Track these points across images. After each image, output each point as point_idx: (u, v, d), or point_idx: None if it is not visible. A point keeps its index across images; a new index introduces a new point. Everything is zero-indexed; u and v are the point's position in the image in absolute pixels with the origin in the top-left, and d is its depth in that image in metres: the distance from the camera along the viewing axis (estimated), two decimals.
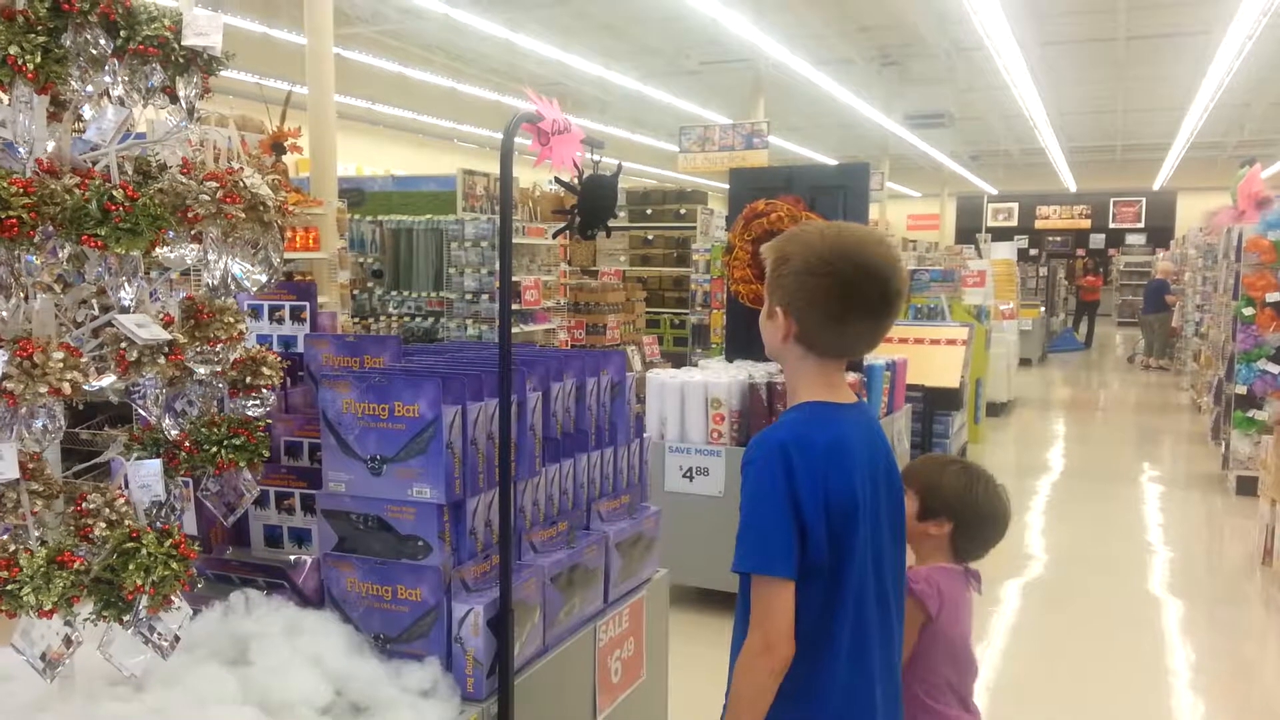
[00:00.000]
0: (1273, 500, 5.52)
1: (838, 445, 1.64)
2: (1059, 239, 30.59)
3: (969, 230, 27.22)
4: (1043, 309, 17.65)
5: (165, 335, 1.51)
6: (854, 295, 1.63)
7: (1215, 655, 4.60)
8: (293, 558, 2.10)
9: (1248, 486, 7.29)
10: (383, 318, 9.29)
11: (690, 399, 4.87)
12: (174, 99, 1.71)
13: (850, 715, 1.68)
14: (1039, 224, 30.89)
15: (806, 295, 1.65)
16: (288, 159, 6.91)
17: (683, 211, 12.92)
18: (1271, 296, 7.09)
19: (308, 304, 2.45)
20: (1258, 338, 7.21)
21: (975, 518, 2.21)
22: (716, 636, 5.04)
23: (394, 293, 9.36)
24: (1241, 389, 7.34)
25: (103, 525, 1.49)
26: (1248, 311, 7.24)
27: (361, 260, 9.28)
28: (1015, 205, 30.92)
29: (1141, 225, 29.71)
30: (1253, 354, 7.25)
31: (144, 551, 1.47)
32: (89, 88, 1.61)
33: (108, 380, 1.55)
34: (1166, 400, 12.93)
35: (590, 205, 2.20)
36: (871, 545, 1.68)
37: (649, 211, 13.18)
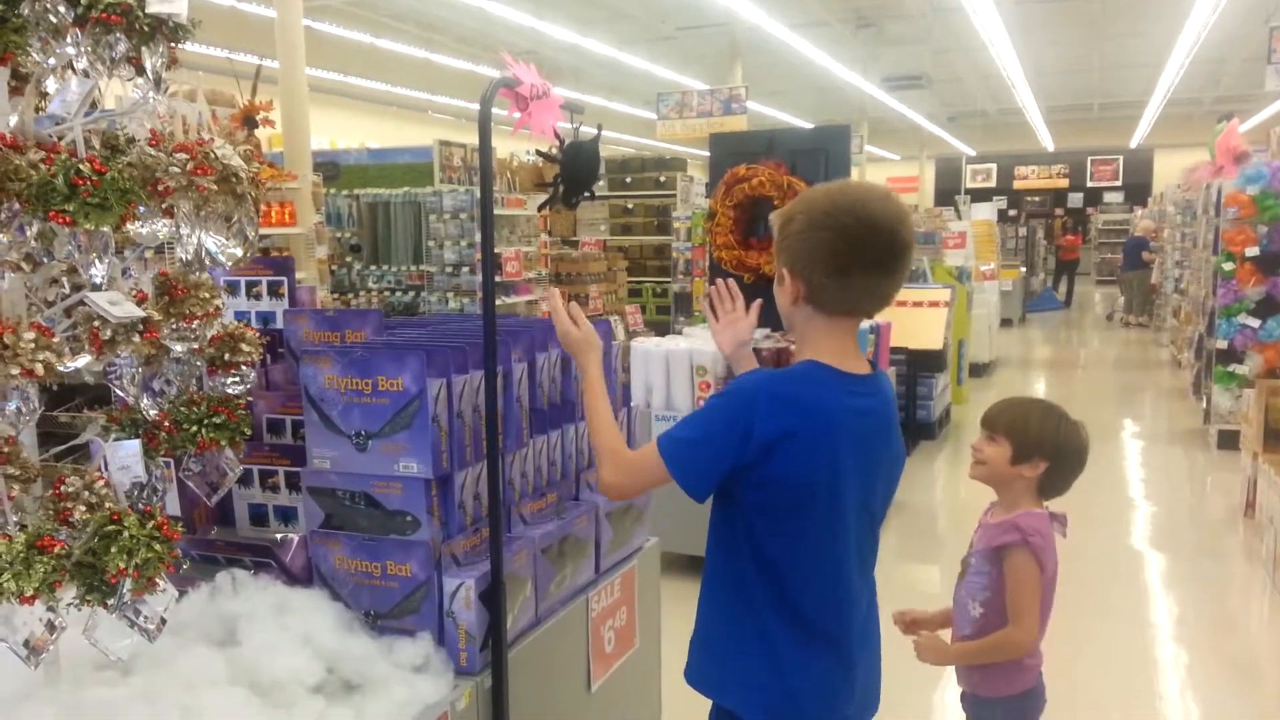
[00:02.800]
0: (1254, 454, 5.57)
1: (815, 410, 1.62)
2: (1037, 199, 30.64)
3: (948, 192, 27.20)
4: (1023, 269, 17.71)
5: (139, 312, 1.47)
6: (856, 248, 1.61)
7: (1198, 607, 4.65)
8: (279, 536, 2.07)
9: (1229, 441, 7.36)
10: (362, 293, 9.22)
11: (675, 367, 4.86)
12: (140, 70, 1.65)
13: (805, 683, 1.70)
14: (1017, 184, 30.91)
15: (809, 252, 1.63)
16: (260, 133, 6.81)
17: (662, 179, 12.83)
18: (1251, 251, 7.12)
19: (285, 279, 2.41)
20: (1238, 292, 7.24)
21: (1066, 455, 2.25)
22: None
23: (373, 267, 9.28)
24: (1222, 344, 7.39)
25: (83, 509, 1.46)
26: (1228, 266, 7.27)
27: (339, 235, 9.19)
28: (994, 166, 30.91)
29: (1119, 183, 29.78)
30: (1233, 309, 7.29)
31: (126, 534, 1.44)
32: (50, 60, 1.56)
33: (83, 360, 1.51)
34: (1147, 357, 13.02)
35: (573, 173, 2.17)
36: (833, 524, 1.67)
37: (628, 180, 13.09)
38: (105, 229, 1.44)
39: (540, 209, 2.40)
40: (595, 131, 2.23)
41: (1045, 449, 2.23)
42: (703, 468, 1.64)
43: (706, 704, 1.83)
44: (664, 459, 1.65)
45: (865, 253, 1.61)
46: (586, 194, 2.23)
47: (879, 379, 1.75)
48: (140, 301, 1.54)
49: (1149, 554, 5.37)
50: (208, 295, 1.63)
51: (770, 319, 6.20)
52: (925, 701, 3.68)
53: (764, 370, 1.75)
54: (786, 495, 1.62)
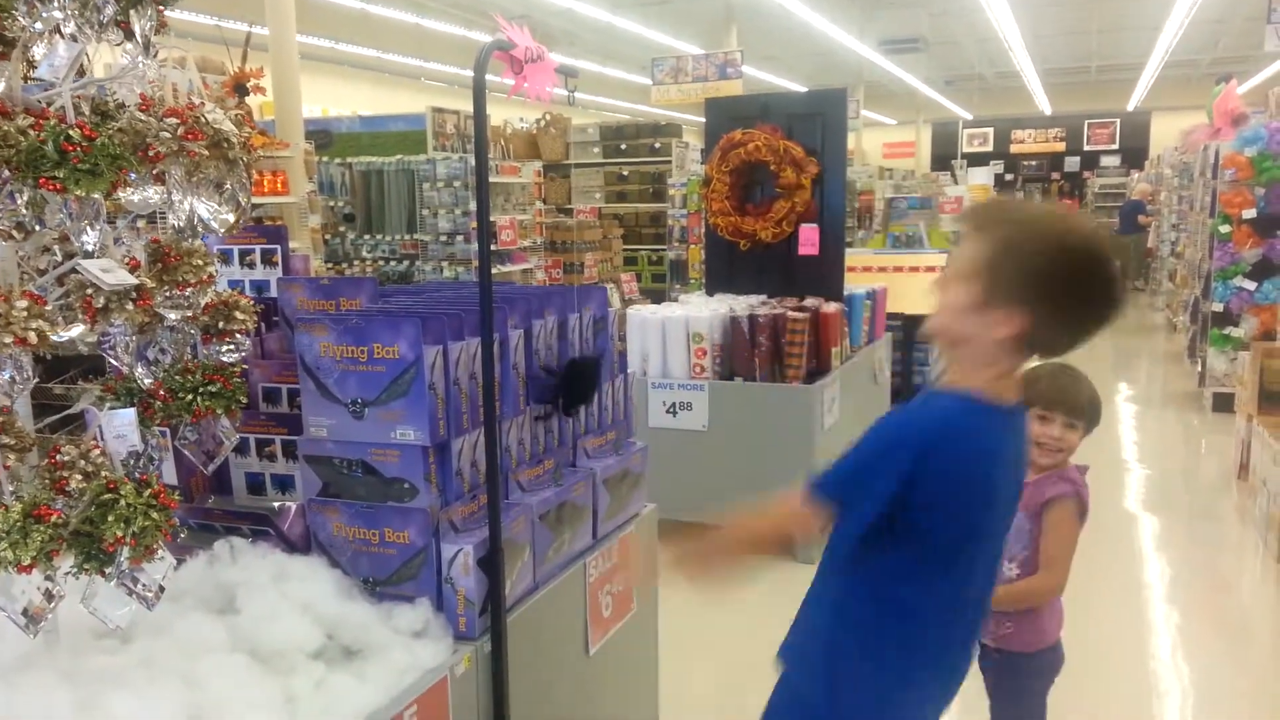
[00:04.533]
0: (1249, 416, 5.59)
1: (988, 455, 1.55)
2: (1034, 163, 30.49)
3: (945, 157, 27.07)
4: None
5: (132, 280, 1.46)
6: (1098, 297, 1.48)
7: (1191, 568, 4.69)
8: (277, 504, 2.07)
9: (1224, 403, 7.39)
10: (356, 262, 9.18)
11: (671, 335, 4.85)
12: (129, 34, 1.63)
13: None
14: (1014, 148, 30.76)
15: (1047, 293, 1.46)
16: (251, 101, 6.74)
17: (657, 145, 12.74)
18: (1248, 213, 7.11)
19: (279, 247, 2.39)
20: (1234, 254, 7.24)
21: (1097, 417, 2.31)
22: None
23: (366, 236, 9.23)
24: (1218, 306, 7.40)
25: (79, 478, 1.45)
26: (1224, 229, 7.26)
27: (332, 204, 9.14)
28: (990, 130, 30.74)
29: (1116, 147, 29.63)
30: (1229, 271, 7.29)
31: (123, 502, 1.44)
32: (37, 24, 1.54)
33: (77, 330, 1.50)
34: (1142, 321, 13.04)
35: (572, 387, 2.31)
36: (983, 558, 1.64)
37: (623, 147, 13.00)
38: (96, 195, 1.43)
39: (537, 418, 2.33)
40: (598, 357, 2.46)
41: (1086, 416, 2.29)
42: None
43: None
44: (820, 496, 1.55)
45: (1107, 304, 1.49)
46: (586, 404, 2.40)
47: (1021, 412, 1.66)
48: (133, 269, 1.52)
49: (1143, 516, 5.40)
50: (201, 262, 1.62)
51: (767, 285, 6.11)
52: None
53: (943, 401, 1.58)
54: (941, 537, 1.56)
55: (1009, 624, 2.33)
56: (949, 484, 1.50)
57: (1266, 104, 8.06)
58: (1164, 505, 5.59)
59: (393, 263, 9.10)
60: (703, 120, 5.83)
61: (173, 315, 1.59)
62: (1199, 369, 8.14)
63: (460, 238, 8.75)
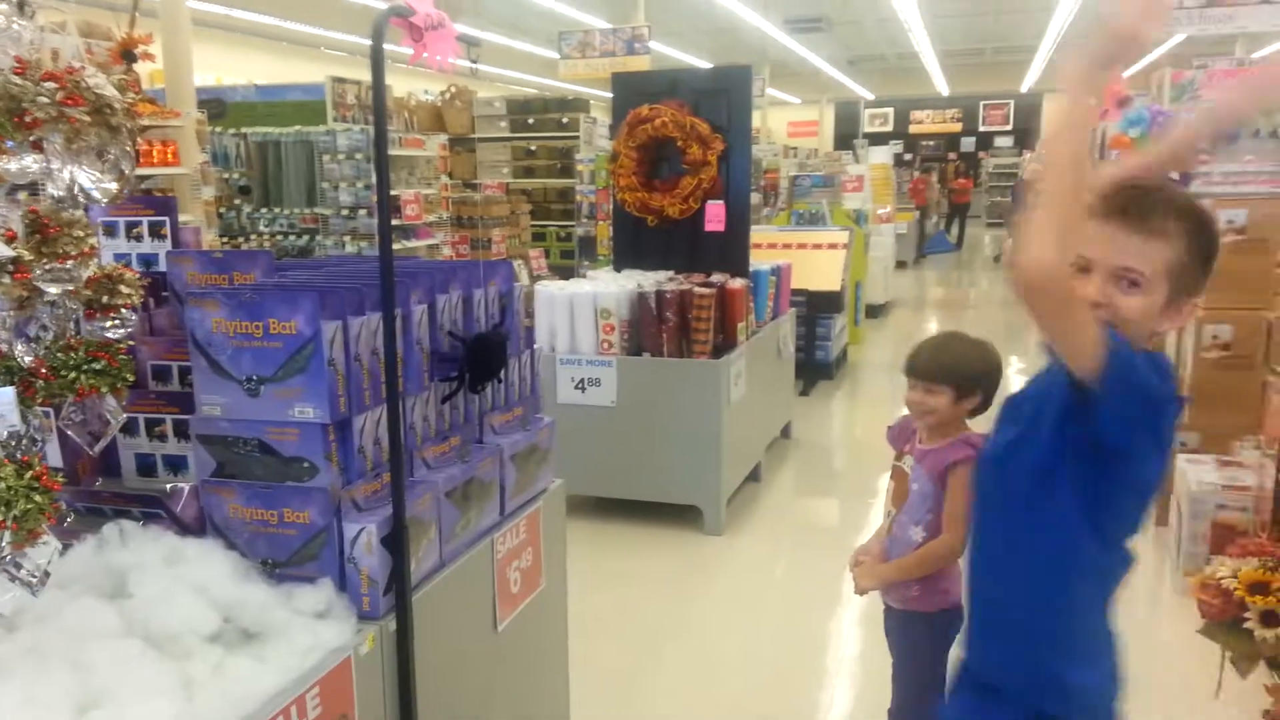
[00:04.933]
0: None
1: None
2: (932, 143, 31.31)
3: (847, 136, 27.56)
4: (917, 213, 18.11)
5: (9, 252, 1.39)
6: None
7: None
8: (169, 486, 2.00)
9: None
10: (253, 236, 8.89)
11: (579, 310, 4.84)
12: None
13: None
14: (913, 129, 31.52)
15: (1210, 271, 1.52)
16: (140, 68, 6.44)
17: (565, 120, 12.64)
18: None
19: (167, 219, 2.30)
20: None
21: (995, 379, 2.42)
22: (612, 542, 5.14)
23: (264, 210, 8.95)
24: None
25: None
26: None
27: (226, 176, 8.82)
28: (891, 110, 31.42)
29: (1010, 128, 30.62)
30: None
31: (3, 485, 1.37)
32: None
33: None
34: None
35: (478, 362, 2.26)
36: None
37: (530, 121, 12.85)
38: None
39: (443, 401, 2.28)
40: (504, 329, 2.41)
41: (981, 381, 2.38)
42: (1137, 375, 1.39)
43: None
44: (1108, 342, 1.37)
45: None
46: (492, 381, 2.35)
47: None
48: (9, 240, 1.45)
49: None
50: (82, 234, 1.54)
51: (675, 261, 6.15)
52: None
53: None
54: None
55: (916, 587, 2.42)
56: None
57: (1149, 87, 8.42)
58: None
59: (292, 237, 8.85)
60: (610, 96, 5.81)
61: (53, 289, 1.51)
62: None
63: (363, 212, 8.55)
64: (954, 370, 2.38)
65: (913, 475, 2.44)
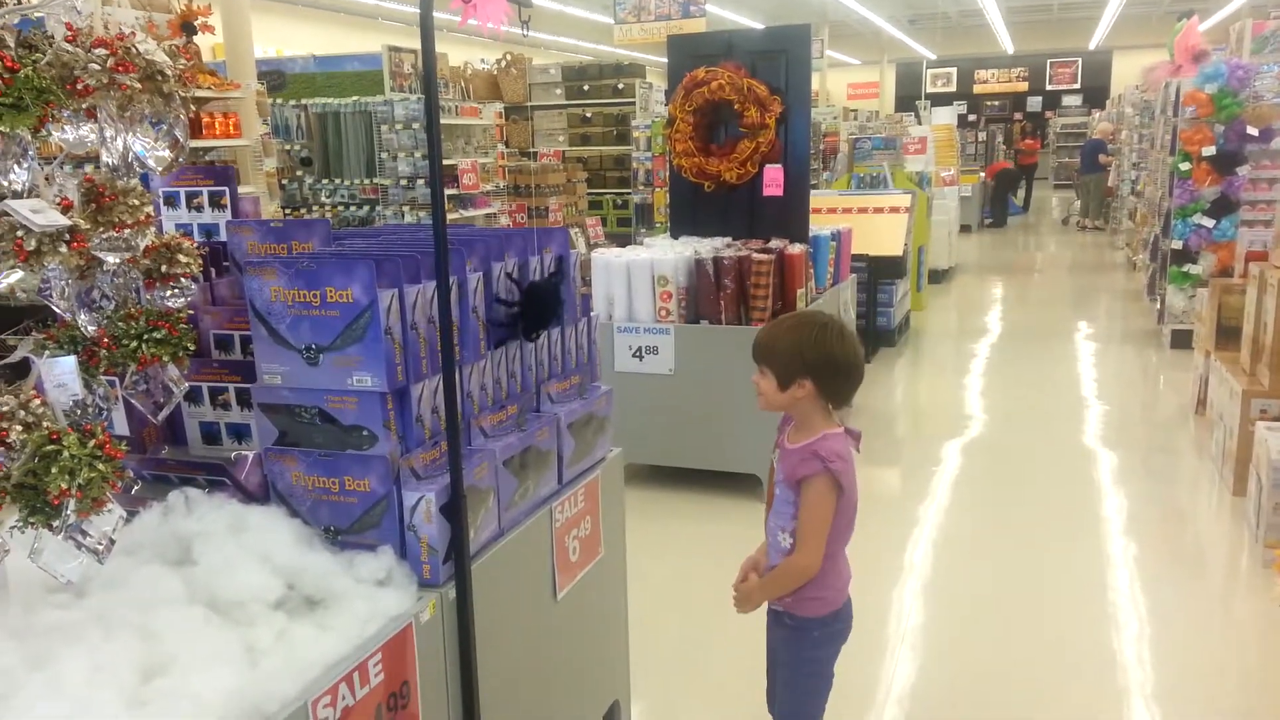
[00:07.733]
0: (1206, 352, 5.67)
1: None
2: (997, 103, 30.49)
3: (909, 97, 26.97)
4: (982, 175, 17.69)
5: (64, 220, 1.39)
6: None
7: (1149, 501, 4.78)
8: (233, 454, 2.02)
9: (1182, 340, 7.49)
10: (315, 208, 9.00)
11: (637, 278, 4.80)
12: None
13: None
14: (977, 89, 30.70)
15: None
16: (201, 41, 6.53)
17: (620, 86, 12.55)
18: (1207, 150, 7.14)
19: (227, 189, 2.31)
20: (1194, 192, 7.28)
21: (828, 367, 2.16)
22: (671, 511, 5.11)
23: (325, 181, 9.04)
24: (1177, 244, 7.46)
25: (19, 429, 1.39)
26: (1184, 166, 7.29)
27: (288, 148, 8.92)
28: (954, 70, 30.63)
29: (1078, 86, 29.67)
30: (1189, 209, 7.34)
31: (66, 454, 1.38)
32: None
33: (14, 277, 1.43)
34: (1102, 259, 13.16)
35: (532, 310, 2.24)
36: None
37: (586, 88, 12.79)
38: (22, 131, 1.35)
39: (496, 347, 2.24)
40: (557, 270, 2.40)
41: (805, 367, 2.15)
42: None
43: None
44: None
45: None
46: (550, 327, 2.36)
47: None
48: (66, 209, 1.45)
49: (1101, 451, 5.48)
50: (137, 202, 1.54)
51: (732, 227, 6.10)
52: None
53: None
54: None
55: (800, 590, 2.26)
56: None
57: (1227, 40, 8.06)
58: (1122, 441, 5.68)
59: (353, 208, 8.93)
60: (665, 61, 5.72)
61: (111, 258, 1.52)
62: (1158, 306, 8.23)
63: (421, 181, 8.59)
64: (771, 350, 2.18)
65: (776, 474, 2.27)
